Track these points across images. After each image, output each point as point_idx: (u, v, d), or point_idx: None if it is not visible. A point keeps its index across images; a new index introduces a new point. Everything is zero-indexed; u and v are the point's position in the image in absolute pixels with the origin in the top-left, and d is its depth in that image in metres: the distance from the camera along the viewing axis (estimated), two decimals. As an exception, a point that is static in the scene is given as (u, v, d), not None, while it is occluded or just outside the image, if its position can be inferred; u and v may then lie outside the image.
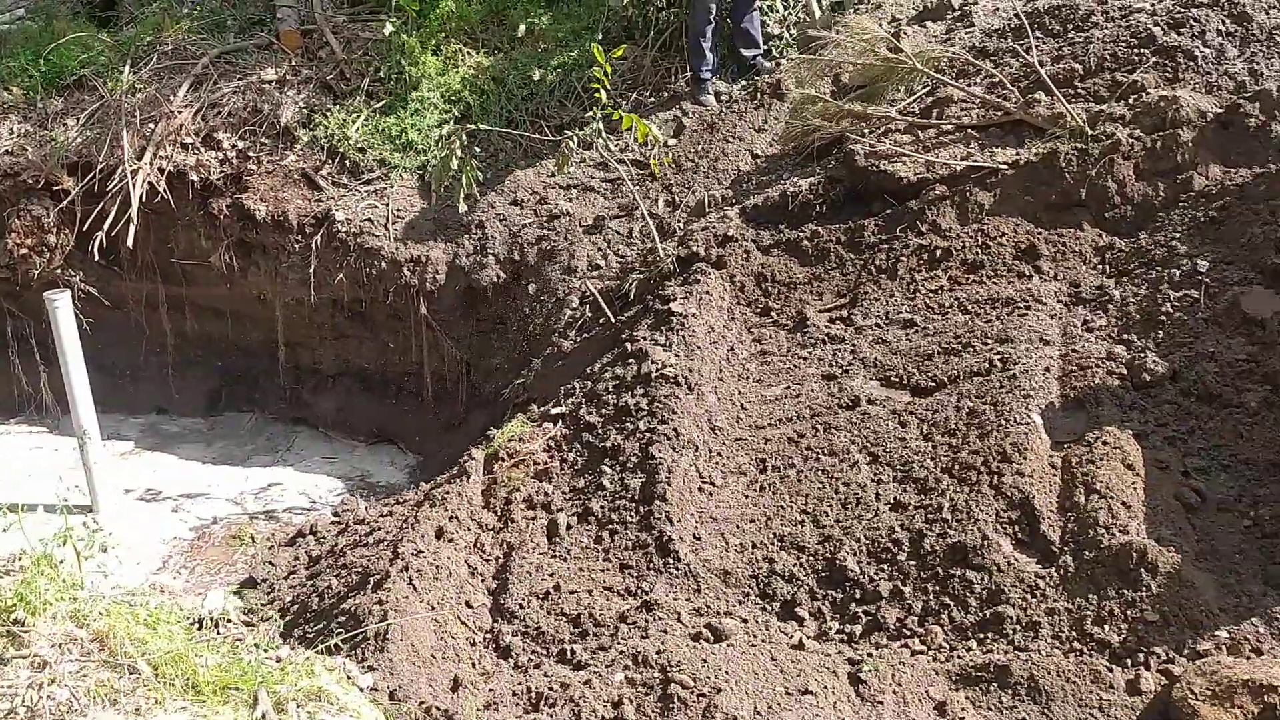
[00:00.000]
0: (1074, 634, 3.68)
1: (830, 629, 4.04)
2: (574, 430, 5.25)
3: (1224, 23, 5.95)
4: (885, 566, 4.13)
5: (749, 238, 6.03)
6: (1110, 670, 3.54)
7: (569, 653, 4.09)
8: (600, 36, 7.52)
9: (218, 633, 4.04)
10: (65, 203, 7.31)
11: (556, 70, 7.57)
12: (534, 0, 8.01)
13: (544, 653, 4.14)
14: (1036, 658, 3.62)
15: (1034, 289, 5.18)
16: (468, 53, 7.80)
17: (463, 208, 6.70)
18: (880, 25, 6.85)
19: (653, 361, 5.29)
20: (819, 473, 4.63)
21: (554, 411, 5.45)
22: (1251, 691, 3.28)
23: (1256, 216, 4.95)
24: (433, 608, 4.20)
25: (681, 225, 6.57)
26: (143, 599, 3.91)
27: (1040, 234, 5.40)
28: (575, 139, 6.35)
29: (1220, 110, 5.43)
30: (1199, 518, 4.00)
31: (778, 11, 7.71)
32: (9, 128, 7.61)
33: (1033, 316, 5.00)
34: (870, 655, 3.83)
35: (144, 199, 7.13)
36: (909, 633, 3.90)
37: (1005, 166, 5.64)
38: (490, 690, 3.92)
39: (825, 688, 3.67)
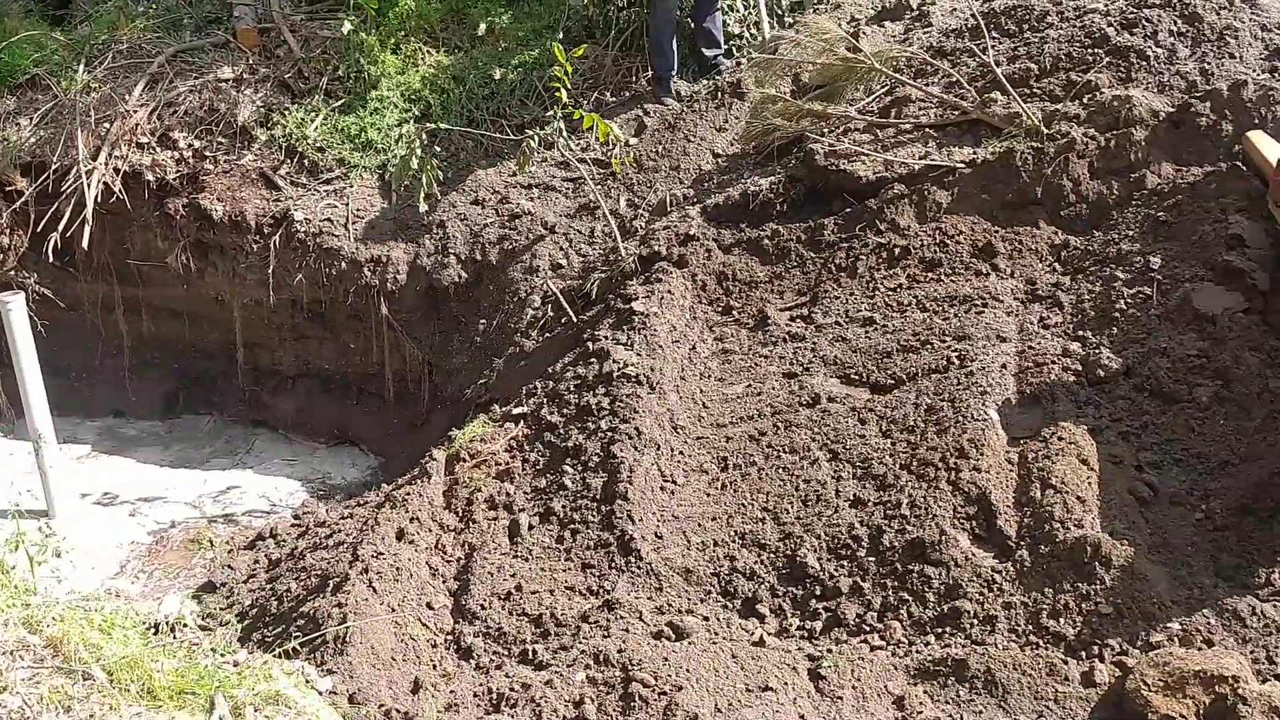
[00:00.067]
0: (1030, 627, 3.73)
1: (791, 625, 4.07)
2: (536, 430, 5.24)
3: (1176, 23, 6.04)
4: (845, 563, 4.16)
5: (710, 237, 6.05)
6: (1065, 663, 3.58)
7: (530, 653, 4.09)
8: (561, 36, 7.51)
9: (174, 637, 3.99)
10: (19, 204, 7.20)
11: (517, 69, 7.55)
12: (494, -1, 8.00)
13: (505, 653, 4.13)
14: (993, 651, 3.66)
15: (991, 287, 5.24)
16: (428, 51, 7.77)
17: (423, 207, 6.67)
18: (839, 25, 6.89)
19: (614, 361, 5.29)
20: (780, 470, 4.65)
21: (516, 411, 5.44)
22: (1203, 682, 3.34)
23: (1207, 214, 5.02)
24: (393, 610, 4.18)
25: (643, 224, 6.58)
26: (98, 604, 3.87)
27: (997, 232, 5.45)
28: (536, 138, 6.34)
29: (1172, 110, 5.51)
30: (1152, 511, 4.06)
31: (738, 11, 7.74)
32: (-40, 128, 7.50)
33: (990, 314, 5.05)
34: (830, 651, 3.86)
35: (99, 199, 7.05)
36: (868, 628, 3.94)
37: (963, 165, 5.70)
38: (451, 691, 3.91)
39: (785, 684, 3.70)
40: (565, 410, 5.23)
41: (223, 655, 3.65)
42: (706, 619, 4.11)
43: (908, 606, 3.94)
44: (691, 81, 7.49)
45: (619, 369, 5.22)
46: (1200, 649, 3.51)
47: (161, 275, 7.48)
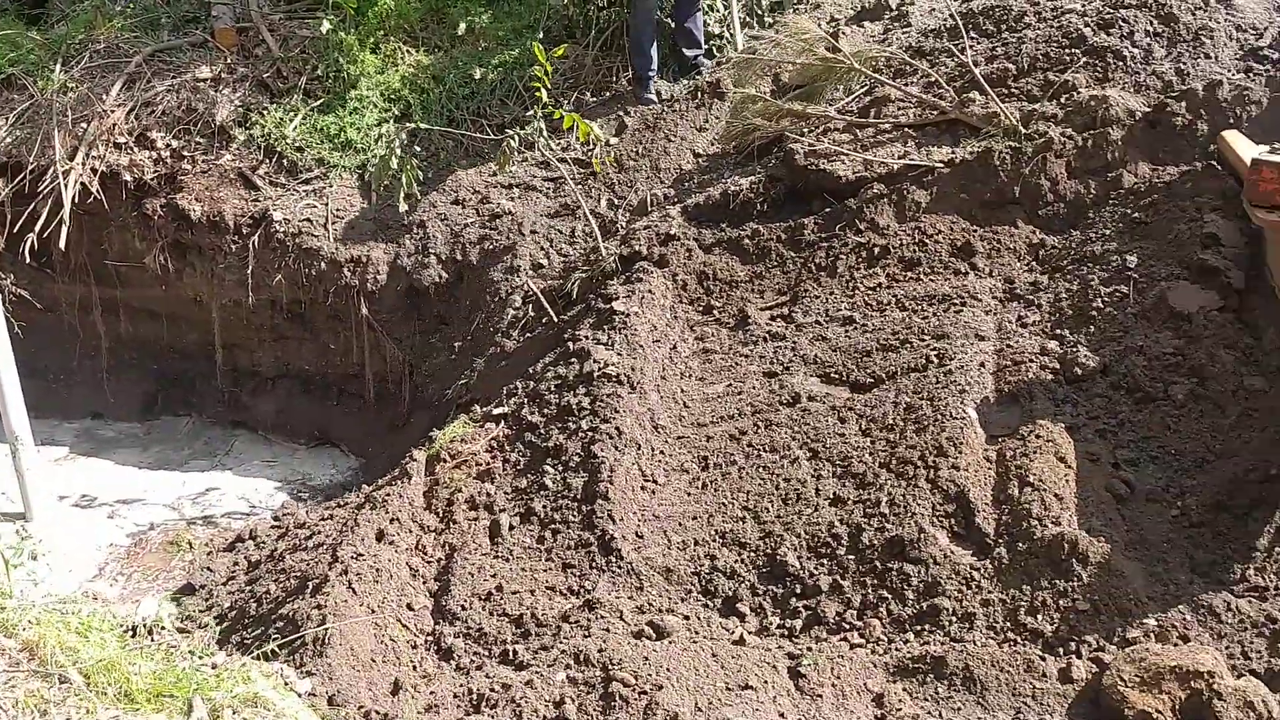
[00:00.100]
0: (1008, 624, 3.75)
1: (771, 624, 4.07)
2: (516, 430, 5.24)
3: (1152, 23, 6.08)
4: (825, 561, 4.17)
5: (691, 236, 6.06)
6: (1043, 659, 3.61)
7: (511, 653, 4.08)
8: (541, 35, 7.50)
9: (151, 640, 3.98)
10: (-5, 204, 7.15)
11: (497, 69, 7.54)
12: (474, -2, 7.99)
13: (486, 654, 4.12)
14: (972, 648, 3.68)
15: (969, 286, 5.26)
16: (407, 51, 7.75)
17: (403, 207, 6.66)
18: (819, 25, 6.91)
19: (595, 360, 5.29)
20: (760, 469, 4.66)
21: (496, 412, 5.44)
22: (1178, 678, 3.37)
23: (1183, 213, 5.06)
24: (372, 611, 4.17)
25: (624, 224, 6.58)
26: (74, 607, 3.86)
27: (975, 231, 5.48)
28: (516, 138, 6.34)
29: (1148, 109, 5.55)
30: (1128, 508, 4.09)
31: (718, 11, 7.75)
32: (-65, 127, 7.43)
33: (968, 313, 5.08)
34: (810, 649, 3.87)
35: (76, 200, 6.99)
36: (848, 626, 3.95)
37: (941, 165, 5.72)
38: (431, 693, 3.90)
39: (765, 682, 3.71)
40: (546, 410, 5.23)
41: (201, 657, 3.65)
42: (687, 618, 4.12)
43: (887, 604, 3.96)
44: (672, 81, 7.50)
45: (600, 369, 5.22)
46: (1176, 645, 3.54)
47: (139, 276, 7.43)
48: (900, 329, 5.12)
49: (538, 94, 5.92)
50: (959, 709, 3.53)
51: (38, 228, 6.94)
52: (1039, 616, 3.74)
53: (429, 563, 4.64)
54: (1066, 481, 4.10)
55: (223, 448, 7.34)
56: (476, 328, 6.65)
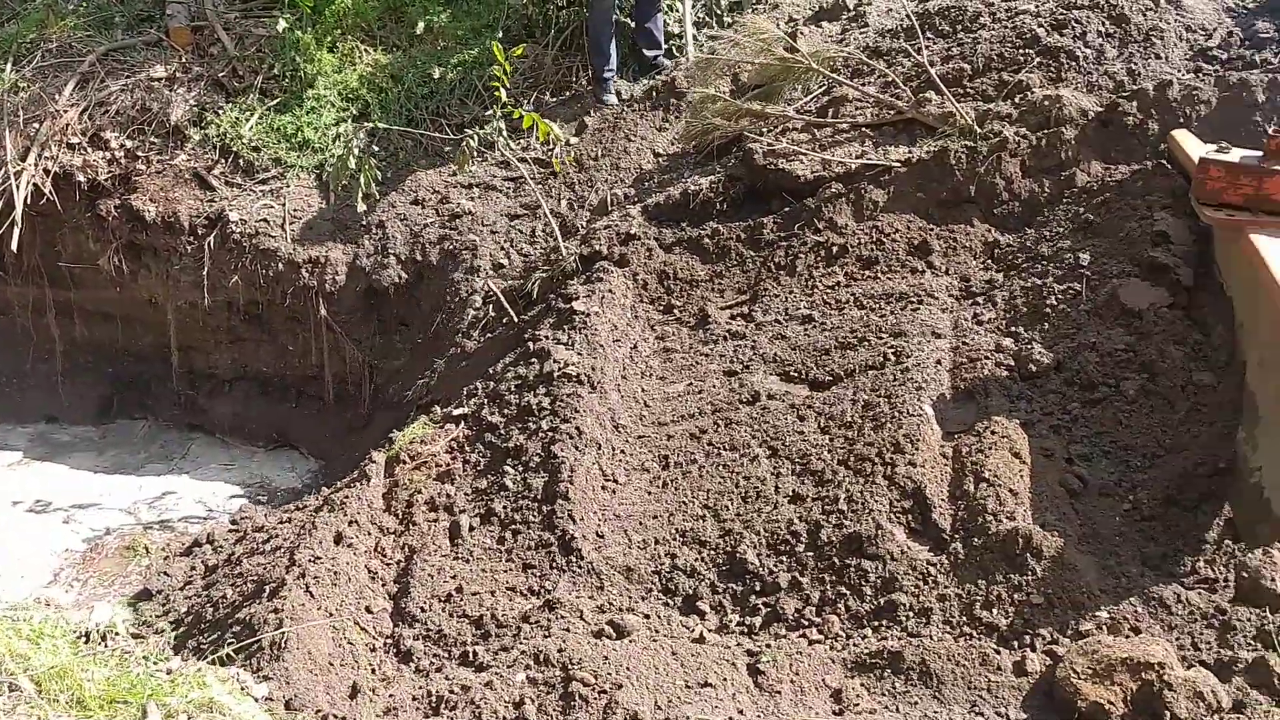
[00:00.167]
0: (964, 619, 3.78)
1: (731, 621, 4.08)
2: (476, 431, 5.22)
3: (1104, 24, 6.17)
4: (784, 558, 4.19)
5: (651, 236, 6.07)
6: (998, 653, 3.64)
7: (471, 654, 4.07)
8: (500, 35, 7.49)
9: (105, 646, 3.93)
10: (-56, 206, 7.03)
11: (457, 68, 7.52)
12: (432, -4, 7.95)
13: (446, 655, 4.11)
14: (928, 643, 3.71)
15: (926, 284, 5.31)
16: (365, 50, 7.71)
17: (361, 207, 6.61)
18: (777, 25, 6.95)
19: (555, 360, 5.28)
20: (720, 468, 4.68)
21: (456, 412, 5.42)
22: (1130, 669, 3.41)
23: (1134, 212, 5.13)
24: (330, 614, 4.14)
25: (584, 224, 6.58)
26: (26, 614, 3.80)
27: (932, 230, 5.53)
28: (476, 138, 6.32)
29: (1101, 109, 5.63)
30: (1082, 503, 4.14)
31: (678, 11, 7.76)
32: (-119, 127, 7.29)
33: (925, 311, 5.12)
34: (769, 646, 3.88)
35: (29, 201, 6.89)
36: (807, 622, 3.97)
37: (898, 164, 5.77)
38: (390, 695, 3.88)
39: (724, 679, 3.72)
40: (506, 410, 5.22)
41: (155, 663, 3.60)
42: (647, 617, 4.12)
43: (845, 600, 3.98)
44: (632, 81, 7.50)
45: (560, 369, 5.21)
46: (1128, 637, 3.58)
47: (94, 278, 7.35)
48: (858, 327, 5.15)
49: (497, 94, 5.91)
50: (915, 703, 3.56)
51: (-11, 229, 6.84)
52: (994, 610, 3.78)
53: (388, 565, 4.62)
54: (1021, 477, 4.14)
55: (179, 451, 7.27)
56: (437, 328, 6.62)
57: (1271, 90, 5.34)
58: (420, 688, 3.89)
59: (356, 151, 6.59)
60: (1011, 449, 4.24)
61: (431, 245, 6.80)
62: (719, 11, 7.93)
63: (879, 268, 5.48)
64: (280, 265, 6.89)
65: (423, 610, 4.32)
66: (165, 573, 5.46)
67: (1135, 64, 5.96)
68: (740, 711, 3.59)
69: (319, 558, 4.43)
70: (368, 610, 4.34)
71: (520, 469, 4.85)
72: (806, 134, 6.29)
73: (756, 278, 5.70)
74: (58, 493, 6.71)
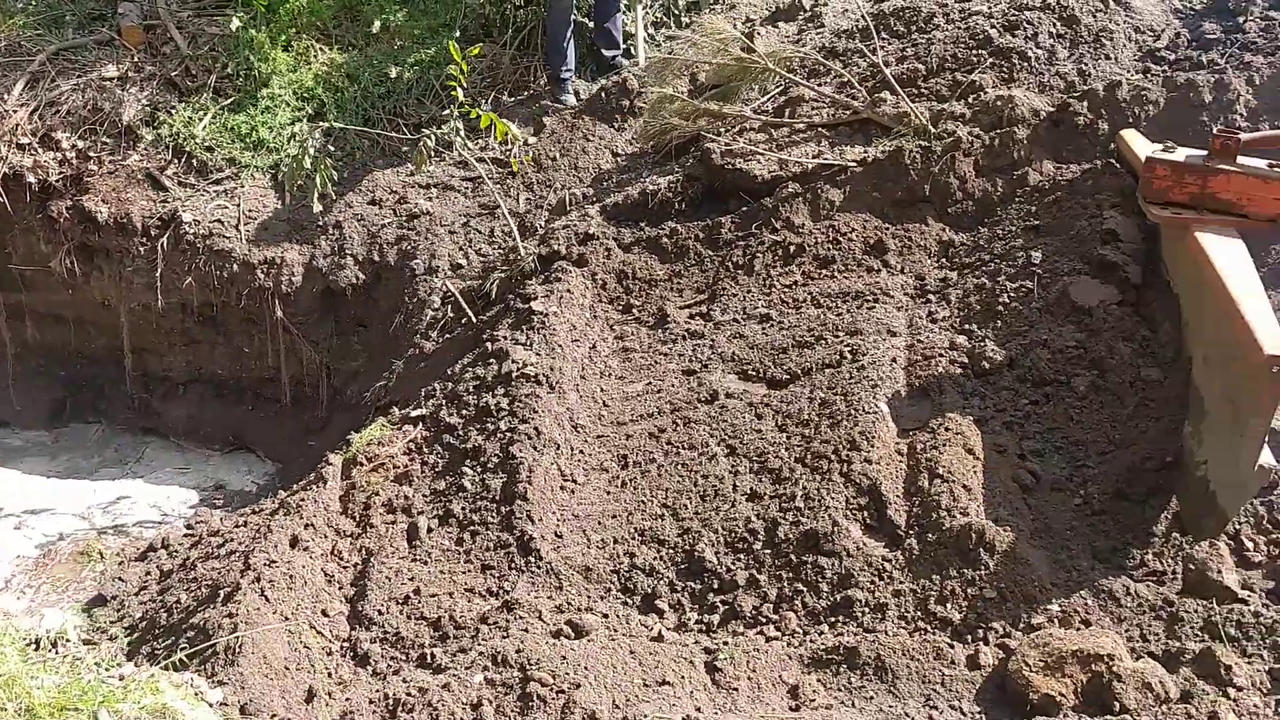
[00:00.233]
0: (919, 613, 3.82)
1: (689, 620, 4.10)
2: (434, 432, 5.20)
3: (1055, 25, 6.25)
4: (742, 556, 4.21)
5: (610, 236, 6.07)
6: (952, 647, 3.68)
7: (429, 656, 4.05)
8: (457, 34, 7.46)
9: (56, 653, 3.88)
10: (-110, 208, 6.90)
11: (413, 68, 7.48)
12: (389, -4, 7.91)
13: (403, 658, 4.09)
14: (884, 638, 3.75)
15: (882, 282, 5.35)
16: (320, 49, 7.65)
17: (317, 208, 6.56)
18: (734, 25, 6.97)
19: (513, 361, 5.27)
20: (679, 466, 4.69)
21: (414, 414, 5.39)
22: (1080, 661, 3.47)
23: (1084, 210, 5.21)
24: (286, 618, 4.11)
25: (543, 224, 6.58)
26: (-27, 622, 3.74)
27: (887, 229, 5.58)
28: (434, 138, 6.30)
29: (1052, 109, 5.70)
30: (1034, 498, 4.20)
31: (635, 11, 7.77)
32: None
33: (880, 309, 5.17)
34: (726, 644, 3.91)
35: (-24, 202, 6.79)
36: (764, 620, 3.99)
37: (854, 164, 5.81)
38: (347, 699, 3.86)
39: (682, 677, 3.73)
40: (464, 411, 5.20)
41: (108, 670, 3.56)
42: (606, 616, 4.13)
43: (802, 597, 4.01)
44: (590, 81, 7.50)
45: (518, 369, 5.21)
46: (1078, 629, 3.64)
47: (45, 280, 7.24)
48: (815, 326, 5.19)
49: (454, 93, 5.89)
50: (871, 698, 3.60)
51: (-64, 232, 6.73)
52: (948, 605, 3.82)
53: (345, 568, 4.59)
54: (975, 473, 4.19)
55: (133, 455, 7.18)
56: (395, 329, 6.59)
57: (1218, 90, 5.44)
58: (377, 690, 3.88)
59: (312, 151, 6.54)
60: (965, 445, 4.29)
61: (389, 246, 6.76)
62: (677, 11, 7.95)
63: (835, 267, 5.52)
64: (235, 266, 6.83)
65: (380, 613, 4.30)
66: (119, 578, 5.40)
67: (1086, 64, 6.04)
68: (698, 709, 3.61)
69: (274, 561, 4.39)
70: (324, 613, 4.32)
71: (479, 470, 4.84)
72: (764, 134, 6.33)
73: (715, 277, 5.73)
74: (9, 498, 6.61)
